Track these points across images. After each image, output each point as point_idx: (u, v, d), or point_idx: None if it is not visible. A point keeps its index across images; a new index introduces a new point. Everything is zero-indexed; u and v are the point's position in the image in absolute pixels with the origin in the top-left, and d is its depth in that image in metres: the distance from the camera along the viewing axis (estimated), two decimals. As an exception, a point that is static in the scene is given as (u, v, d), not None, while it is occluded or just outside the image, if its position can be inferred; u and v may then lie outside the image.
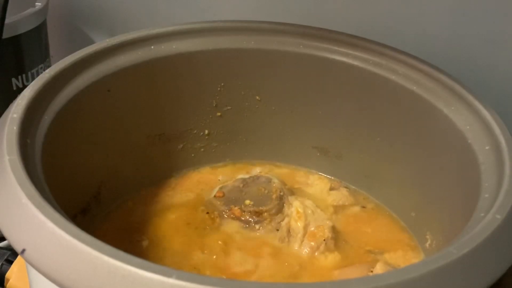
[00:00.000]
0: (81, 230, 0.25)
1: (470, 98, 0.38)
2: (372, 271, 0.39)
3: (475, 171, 0.34)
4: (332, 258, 0.41)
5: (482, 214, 0.29)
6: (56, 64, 0.37)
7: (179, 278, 0.23)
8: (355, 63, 0.44)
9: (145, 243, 0.41)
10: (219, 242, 0.41)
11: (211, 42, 0.44)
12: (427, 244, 0.42)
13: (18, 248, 0.26)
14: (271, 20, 0.46)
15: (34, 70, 0.57)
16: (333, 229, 0.42)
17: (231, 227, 0.43)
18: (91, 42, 0.64)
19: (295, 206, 0.43)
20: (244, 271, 0.39)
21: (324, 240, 0.41)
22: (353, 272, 0.39)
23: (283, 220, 0.43)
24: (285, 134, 0.49)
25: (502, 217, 0.29)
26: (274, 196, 0.44)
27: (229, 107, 0.47)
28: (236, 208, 0.43)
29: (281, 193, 0.44)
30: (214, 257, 0.40)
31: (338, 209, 0.46)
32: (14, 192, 0.27)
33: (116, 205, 0.44)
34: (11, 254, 0.42)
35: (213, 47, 0.44)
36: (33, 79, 0.55)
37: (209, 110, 0.47)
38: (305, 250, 0.41)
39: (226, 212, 0.44)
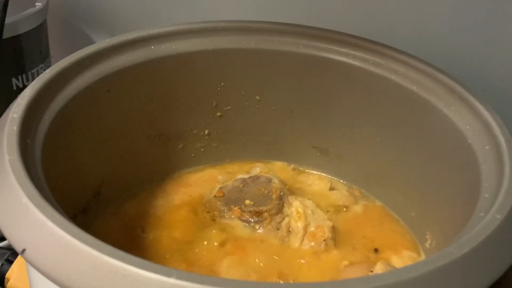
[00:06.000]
0: (81, 230, 0.25)
1: (470, 98, 0.38)
2: (372, 271, 0.39)
3: (475, 171, 0.34)
4: (332, 258, 0.41)
5: (482, 214, 0.29)
6: (56, 64, 0.37)
7: (179, 278, 0.23)
8: (355, 63, 0.44)
9: (145, 242, 0.41)
10: (219, 242, 0.41)
11: (211, 42, 0.44)
12: (427, 244, 0.42)
13: (18, 248, 0.26)
14: (271, 20, 0.46)
15: (34, 70, 0.57)
16: (333, 229, 0.42)
17: (231, 227, 0.43)
18: (91, 42, 0.64)
19: (295, 206, 0.43)
20: (244, 271, 0.39)
21: (324, 240, 0.41)
22: (353, 272, 0.39)
23: (283, 220, 0.43)
24: (285, 134, 0.49)
25: (502, 217, 0.29)
26: (274, 196, 0.44)
27: (229, 107, 0.47)
28: (236, 208, 0.43)
29: (281, 193, 0.44)
30: (214, 257, 0.40)
31: (338, 209, 0.46)
32: (14, 192, 0.27)
33: (116, 205, 0.44)
34: (11, 254, 0.42)
35: (213, 47, 0.44)
36: (33, 79, 0.55)
37: (209, 110, 0.47)
38: (305, 250, 0.41)
39: (226, 212, 0.44)
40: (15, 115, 0.32)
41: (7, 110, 0.34)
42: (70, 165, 0.38)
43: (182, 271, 0.23)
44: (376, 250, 0.42)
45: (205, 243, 0.41)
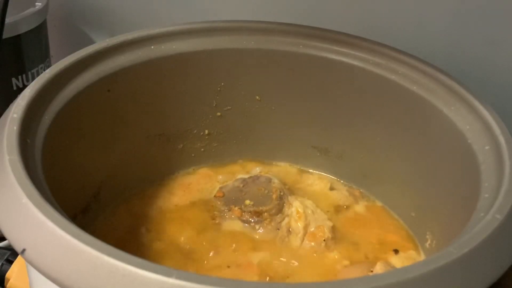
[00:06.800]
0: (81, 230, 0.25)
1: (470, 98, 0.38)
2: (372, 271, 0.39)
3: (475, 171, 0.34)
4: (332, 258, 0.41)
5: (482, 214, 0.29)
6: (56, 64, 0.37)
7: (179, 278, 0.23)
8: (355, 63, 0.44)
9: (145, 242, 0.41)
10: (219, 242, 0.41)
11: (211, 42, 0.44)
12: (427, 244, 0.42)
13: (18, 248, 0.26)
14: (271, 20, 0.46)
15: (34, 70, 0.57)
16: (333, 229, 0.42)
17: (231, 227, 0.43)
18: (91, 42, 0.64)
19: (295, 206, 0.43)
20: (244, 271, 0.39)
21: (324, 240, 0.41)
22: (353, 272, 0.39)
23: (283, 220, 0.43)
24: (285, 134, 0.49)
25: (502, 217, 0.29)
26: (274, 196, 0.44)
27: (229, 107, 0.48)
28: (236, 208, 0.43)
29: (281, 193, 0.44)
30: (214, 257, 0.40)
31: (338, 209, 0.46)
32: (14, 192, 0.27)
33: (116, 205, 0.44)
34: (11, 254, 0.42)
35: (213, 47, 0.44)
36: (33, 79, 0.55)
37: (209, 110, 0.47)
38: (305, 250, 0.41)
39: (226, 212, 0.44)
40: (15, 115, 0.32)
41: (7, 110, 0.34)
42: (70, 165, 0.38)
43: (182, 271, 0.23)
44: (376, 250, 0.42)
45: (205, 243, 0.41)
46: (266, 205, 0.43)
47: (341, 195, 0.47)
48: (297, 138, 0.49)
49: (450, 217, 0.38)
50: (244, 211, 0.43)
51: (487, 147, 0.35)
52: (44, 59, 0.59)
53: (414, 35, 0.52)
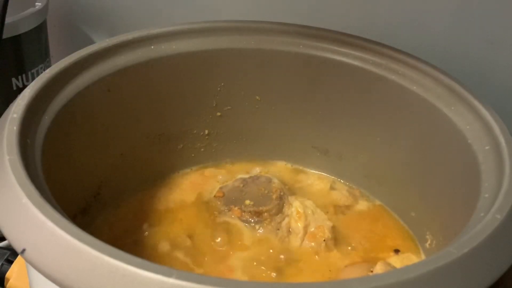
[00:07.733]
0: (81, 230, 0.25)
1: (470, 98, 0.38)
2: (372, 271, 0.39)
3: (475, 171, 0.34)
4: (332, 258, 0.41)
5: (482, 214, 0.29)
6: (56, 64, 0.37)
7: (179, 278, 0.23)
8: (355, 63, 0.44)
9: (145, 242, 0.41)
10: (219, 242, 0.41)
11: (211, 42, 0.44)
12: (427, 244, 0.42)
13: (18, 248, 0.26)
14: (271, 20, 0.46)
15: (34, 70, 0.57)
16: (333, 229, 0.42)
17: (231, 227, 0.43)
18: (91, 42, 0.64)
19: (295, 206, 0.43)
20: (244, 271, 0.39)
21: (324, 240, 0.41)
22: (353, 272, 0.39)
23: (283, 220, 0.43)
24: (285, 134, 0.49)
25: (502, 217, 0.29)
26: (274, 196, 0.44)
27: (229, 107, 0.47)
28: (236, 208, 0.43)
29: (281, 193, 0.44)
30: (214, 257, 0.40)
31: (338, 209, 0.46)
32: (14, 192, 0.27)
33: (116, 205, 0.44)
34: (11, 254, 0.42)
35: (213, 47, 0.44)
36: (33, 79, 0.55)
37: (209, 110, 0.47)
38: (305, 250, 0.41)
39: (226, 212, 0.44)
40: (15, 115, 0.32)
41: (7, 110, 0.34)
42: (70, 165, 0.38)
43: (182, 271, 0.23)
44: (375, 250, 0.42)
45: (205, 243, 0.41)
46: (266, 205, 0.43)
47: (341, 195, 0.47)
48: (297, 138, 0.49)
49: (450, 217, 0.38)
50: (244, 211, 0.43)
51: (487, 147, 0.35)
52: (44, 59, 0.59)
53: (414, 35, 0.52)
